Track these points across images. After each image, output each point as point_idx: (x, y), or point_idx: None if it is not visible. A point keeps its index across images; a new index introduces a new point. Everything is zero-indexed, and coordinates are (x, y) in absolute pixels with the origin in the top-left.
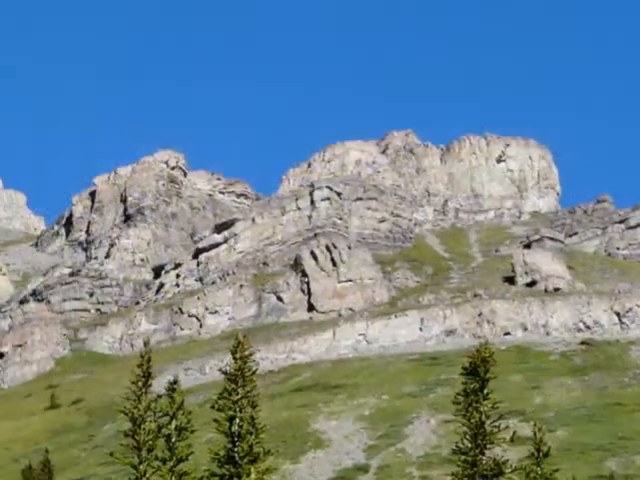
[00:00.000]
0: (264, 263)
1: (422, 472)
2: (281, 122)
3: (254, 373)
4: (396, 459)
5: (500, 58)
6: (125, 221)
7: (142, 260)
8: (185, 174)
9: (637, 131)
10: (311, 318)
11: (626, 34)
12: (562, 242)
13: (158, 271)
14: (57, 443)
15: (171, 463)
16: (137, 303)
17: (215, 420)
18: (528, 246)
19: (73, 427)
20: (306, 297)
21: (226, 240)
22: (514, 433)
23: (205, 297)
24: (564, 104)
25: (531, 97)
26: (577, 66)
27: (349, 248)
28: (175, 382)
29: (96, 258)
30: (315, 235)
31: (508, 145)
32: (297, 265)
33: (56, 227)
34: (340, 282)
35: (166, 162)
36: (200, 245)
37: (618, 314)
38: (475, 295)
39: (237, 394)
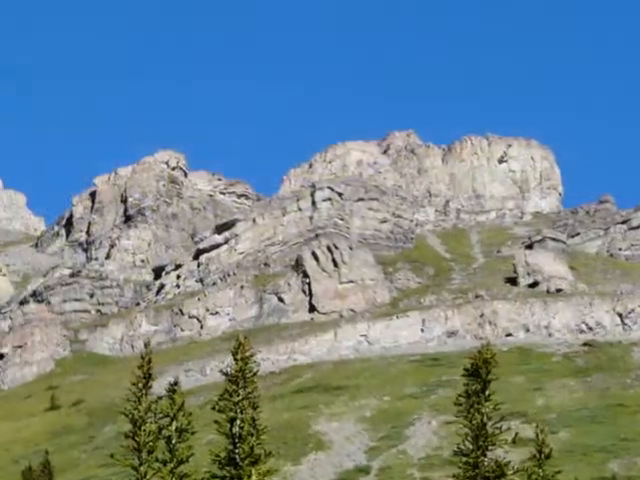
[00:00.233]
0: (265, 264)
1: (423, 474)
2: (282, 122)
3: (255, 374)
4: (397, 461)
5: (501, 58)
6: (125, 222)
7: (142, 261)
8: (186, 174)
9: (639, 131)
10: (312, 319)
11: (626, 34)
12: (564, 243)
13: (159, 272)
14: (57, 444)
15: (172, 465)
16: (137, 304)
17: (216, 421)
18: (530, 247)
19: (73, 428)
20: (307, 298)
21: (227, 241)
22: (516, 435)
23: (206, 298)
24: (566, 104)
25: (533, 97)
26: (579, 66)
27: (350, 249)
28: (176, 383)
29: (96, 259)
30: (316, 236)
31: (510, 145)
32: (298, 266)
33: (56, 228)
34: (341, 283)
35: (166, 162)
36: (201, 246)
37: (620, 315)
38: (477, 296)
39: (238, 395)
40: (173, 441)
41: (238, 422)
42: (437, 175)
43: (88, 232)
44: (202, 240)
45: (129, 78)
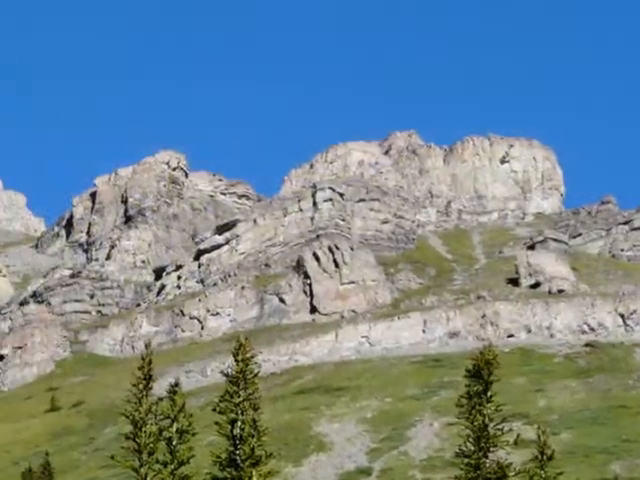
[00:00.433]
0: (266, 265)
1: (425, 475)
2: (283, 123)
3: (256, 375)
4: (399, 462)
5: (503, 58)
6: (126, 222)
7: (143, 262)
8: (186, 175)
9: None
10: (313, 320)
11: (627, 34)
12: (566, 243)
13: (159, 273)
14: (57, 446)
15: (172, 466)
16: (138, 305)
17: (216, 423)
18: (532, 247)
19: (73, 430)
20: (308, 299)
21: (228, 241)
22: (518, 436)
23: (206, 299)
24: (568, 104)
25: (535, 97)
26: (581, 66)
27: (352, 249)
28: (176, 384)
29: (97, 260)
30: (317, 236)
31: (512, 146)
32: (299, 267)
33: (56, 228)
34: (343, 284)
35: (167, 163)
36: (201, 246)
37: (622, 316)
38: (478, 297)
39: (239, 396)
40: (174, 442)
41: (239, 423)
42: (439, 176)
43: (88, 233)
44: (203, 241)
45: (129, 78)
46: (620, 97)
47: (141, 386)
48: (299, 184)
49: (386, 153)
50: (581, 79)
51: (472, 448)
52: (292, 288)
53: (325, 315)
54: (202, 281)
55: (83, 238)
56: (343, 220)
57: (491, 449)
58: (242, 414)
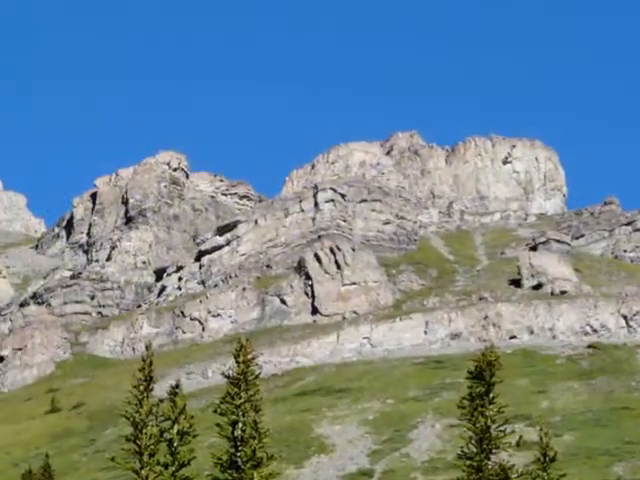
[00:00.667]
0: (267, 266)
1: (427, 477)
2: (284, 123)
3: (257, 377)
4: (401, 464)
5: (505, 58)
6: (126, 223)
7: (144, 263)
8: (187, 175)
9: None
10: (315, 321)
11: (628, 34)
12: (568, 244)
13: (160, 274)
14: (57, 447)
15: (173, 468)
16: (139, 306)
17: (217, 424)
18: (534, 248)
19: (74, 431)
20: (310, 300)
21: (229, 242)
22: (520, 438)
23: (207, 300)
24: (570, 105)
25: (537, 98)
26: (585, 67)
27: (353, 250)
28: (177, 386)
29: (97, 261)
30: (319, 237)
31: (514, 146)
32: (301, 268)
33: (57, 229)
34: (344, 285)
35: (168, 163)
36: (202, 247)
37: (625, 317)
38: (480, 298)
39: (240, 398)
40: (174, 444)
41: (240, 425)
42: (441, 176)
43: (89, 234)
44: (204, 242)
45: (129, 78)
46: (623, 98)
47: (142, 388)
48: (300, 185)
49: (388, 154)
50: (584, 79)
51: (474, 450)
52: (293, 289)
53: (326, 316)
54: (203, 282)
55: (83, 239)
56: (344, 221)
57: (493, 451)
58: (243, 416)
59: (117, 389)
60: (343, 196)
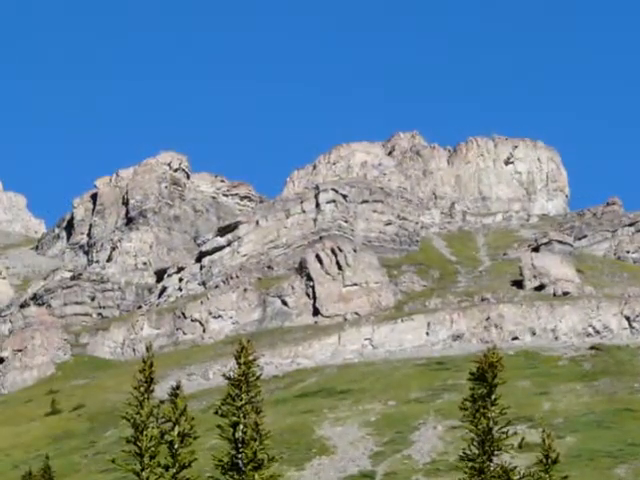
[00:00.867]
0: (268, 267)
1: (429, 479)
2: (285, 123)
3: (258, 378)
4: (402, 466)
5: (507, 58)
6: (127, 224)
7: (144, 264)
8: (188, 176)
9: None
10: (316, 322)
11: (629, 34)
12: (571, 245)
13: (160, 275)
14: (58, 449)
15: (174, 470)
16: (139, 307)
17: (218, 426)
18: (536, 249)
19: (74, 433)
20: (311, 301)
21: (230, 243)
22: (522, 439)
23: (208, 301)
24: (573, 105)
25: (539, 98)
26: (587, 67)
27: (355, 251)
28: (178, 387)
29: (97, 262)
30: (320, 238)
31: (516, 147)
32: (302, 269)
33: (57, 230)
34: (345, 286)
35: (169, 164)
36: (203, 248)
37: (628, 318)
38: (483, 299)
39: (241, 400)
40: (175, 446)
41: (241, 427)
42: (442, 177)
43: (89, 234)
44: (205, 242)
45: (129, 78)
46: (625, 98)
47: (142, 389)
48: (302, 185)
49: (389, 154)
50: (586, 80)
51: (476, 452)
52: (294, 290)
53: (328, 317)
54: (204, 283)
55: (84, 240)
56: (346, 222)
57: (495, 453)
58: (244, 417)
59: (118, 390)
60: (344, 197)
